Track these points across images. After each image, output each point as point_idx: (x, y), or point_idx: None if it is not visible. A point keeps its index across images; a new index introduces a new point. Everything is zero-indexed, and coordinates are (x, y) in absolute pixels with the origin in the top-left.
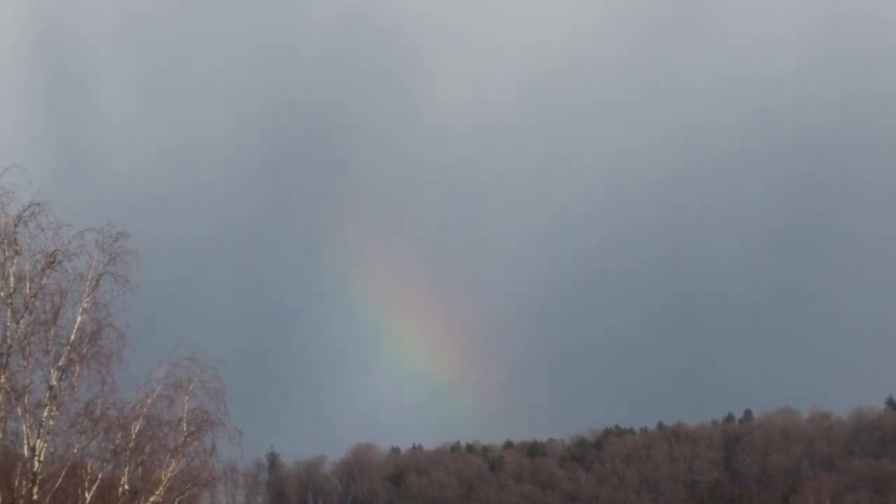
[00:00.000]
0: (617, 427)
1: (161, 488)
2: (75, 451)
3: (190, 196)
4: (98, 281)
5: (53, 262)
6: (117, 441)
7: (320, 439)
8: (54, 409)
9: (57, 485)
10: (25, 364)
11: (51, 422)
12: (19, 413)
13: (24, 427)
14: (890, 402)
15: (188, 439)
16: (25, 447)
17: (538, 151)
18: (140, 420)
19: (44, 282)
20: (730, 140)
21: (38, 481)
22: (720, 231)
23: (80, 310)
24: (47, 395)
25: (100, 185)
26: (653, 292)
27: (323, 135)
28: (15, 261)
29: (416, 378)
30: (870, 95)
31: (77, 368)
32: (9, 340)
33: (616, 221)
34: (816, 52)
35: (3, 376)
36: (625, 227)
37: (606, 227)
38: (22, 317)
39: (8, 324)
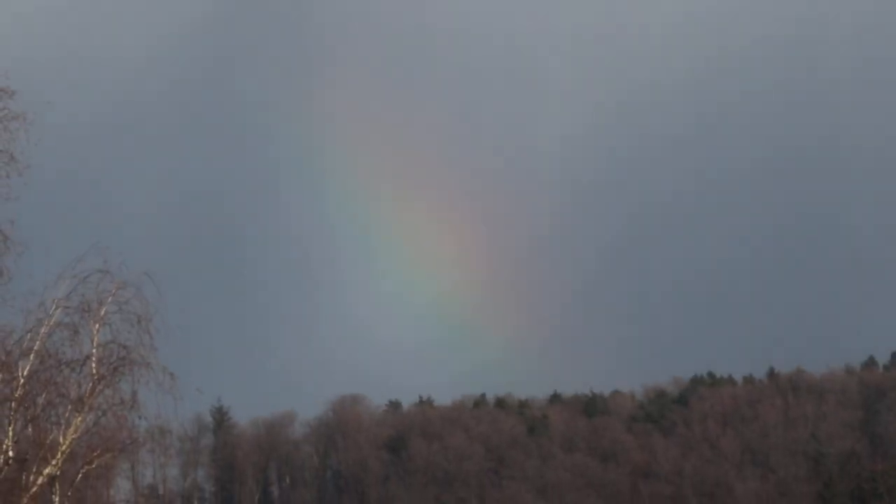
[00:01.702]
0: (710, 375)
1: (60, 455)
2: None
3: (97, 52)
4: None
5: None
6: None
7: (288, 389)
8: None
9: None
10: None
11: None
12: None
13: None
14: None
15: (99, 385)
16: None
17: None
18: (30, 358)
19: None
20: None
21: None
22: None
23: None
24: None
25: None
26: (768, 175)
27: None
28: None
29: (424, 305)
30: None
31: None
32: None
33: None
34: None
35: None
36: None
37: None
38: None
39: None
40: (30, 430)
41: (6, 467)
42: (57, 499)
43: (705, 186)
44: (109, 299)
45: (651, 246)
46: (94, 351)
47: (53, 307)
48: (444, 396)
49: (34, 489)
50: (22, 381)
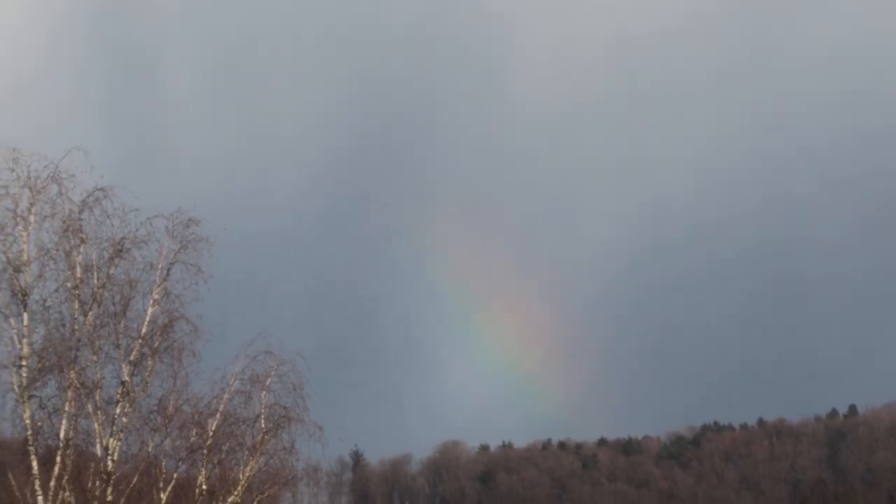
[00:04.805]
0: (716, 423)
1: (240, 488)
2: (149, 449)
3: (261, 187)
4: (169, 270)
5: (121, 251)
6: (192, 439)
7: (406, 436)
8: (127, 405)
9: (131, 485)
10: (95, 359)
11: (123, 419)
12: (90, 410)
13: (95, 425)
14: None
15: (266, 436)
16: (98, 446)
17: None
18: (216, 417)
19: (111, 271)
20: None
21: (111, 481)
22: (822, 213)
23: (151, 301)
24: (119, 390)
25: (166, 175)
26: (751, 279)
27: (399, 122)
28: (81, 249)
29: (505, 373)
30: None
31: (149, 363)
32: (77, 334)
33: (708, 210)
34: None
35: (72, 372)
36: (718, 215)
37: (698, 216)
38: (90, 309)
39: (76, 316)
40: (217, 469)
41: (201, 497)
42: None
43: (707, 273)
44: (272, 373)
45: (677, 330)
46: (262, 411)
47: (232, 379)
48: (520, 441)
49: None
50: (211, 434)
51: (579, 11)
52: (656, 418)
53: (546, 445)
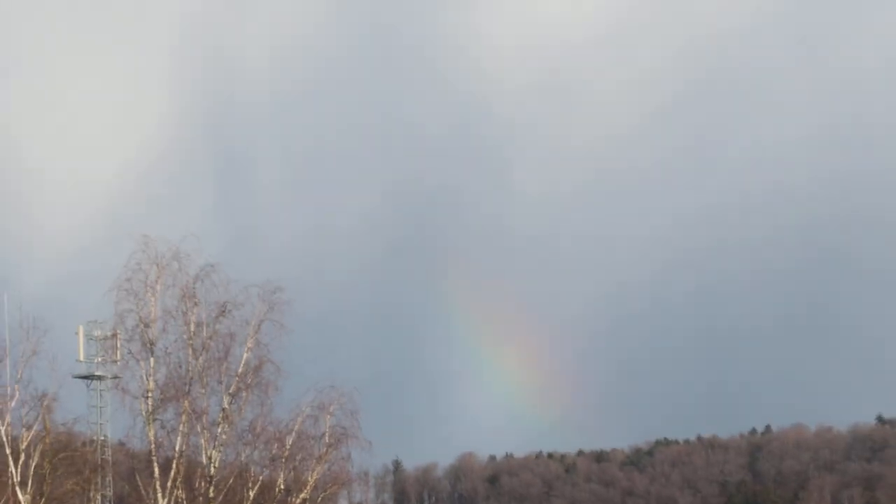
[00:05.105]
0: (665, 438)
1: (309, 487)
2: (242, 458)
3: (329, 268)
4: (259, 326)
5: (224, 312)
6: (274, 451)
7: (434, 448)
8: (226, 426)
9: (228, 485)
10: (203, 392)
11: (223, 436)
12: (199, 430)
13: (202, 441)
14: (879, 418)
15: (329, 449)
16: (203, 456)
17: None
18: (292, 434)
19: (217, 327)
20: None
21: (213, 482)
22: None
23: (246, 349)
24: (221, 415)
25: (259, 253)
26: (696, 330)
27: (435, 216)
28: (194, 310)
29: (508, 401)
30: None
31: (244, 395)
32: (190, 373)
33: (661, 291)
34: None
35: (186, 401)
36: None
37: (656, 291)
38: (200, 354)
39: (189, 360)
40: (292, 473)
41: (280, 494)
42: None
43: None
44: (335, 402)
45: (636, 376)
46: (326, 430)
47: (304, 407)
48: (519, 452)
49: None
50: (288, 447)
51: (566, 114)
52: (621, 434)
53: (538, 455)
